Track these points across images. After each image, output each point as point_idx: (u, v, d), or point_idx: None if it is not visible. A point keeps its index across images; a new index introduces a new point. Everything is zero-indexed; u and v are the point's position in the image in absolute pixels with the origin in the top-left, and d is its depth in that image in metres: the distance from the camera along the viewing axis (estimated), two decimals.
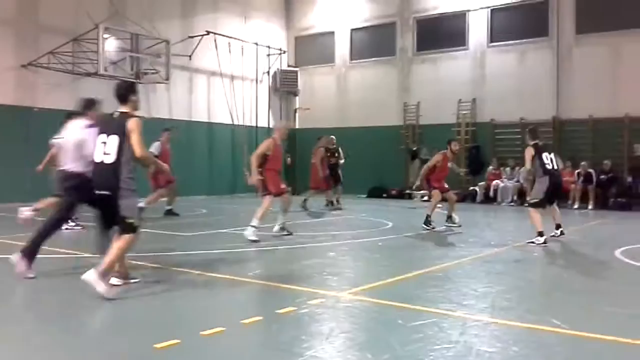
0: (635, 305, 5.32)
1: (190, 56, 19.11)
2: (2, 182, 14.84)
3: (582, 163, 17.02)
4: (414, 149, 20.36)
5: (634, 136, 16.74)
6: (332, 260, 7.60)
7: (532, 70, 18.64)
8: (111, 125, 5.57)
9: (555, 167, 9.19)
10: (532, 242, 8.76)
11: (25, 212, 8.18)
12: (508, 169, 18.21)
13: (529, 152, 9.18)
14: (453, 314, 4.77)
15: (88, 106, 6.72)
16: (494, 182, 18.07)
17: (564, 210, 15.55)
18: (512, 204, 17.31)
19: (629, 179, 16.47)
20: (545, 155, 9.15)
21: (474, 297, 5.47)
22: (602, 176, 16.75)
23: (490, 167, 18.52)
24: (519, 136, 18.29)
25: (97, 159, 5.52)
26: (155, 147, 12.15)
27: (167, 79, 16.92)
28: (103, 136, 5.54)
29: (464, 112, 19.66)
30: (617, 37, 17.29)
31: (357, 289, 5.67)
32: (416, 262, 7.46)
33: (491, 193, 18.07)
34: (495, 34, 19.40)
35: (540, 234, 8.73)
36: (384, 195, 20.28)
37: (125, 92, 5.72)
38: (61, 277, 6.44)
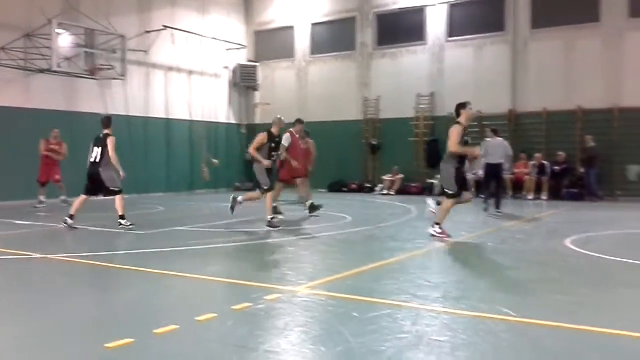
0: (581, 292, 5.51)
1: (146, 51, 18.84)
2: None
3: (537, 154, 17.45)
4: (375, 142, 20.58)
5: (586, 128, 17.23)
6: (290, 255, 7.62)
7: (488, 65, 19.00)
8: None
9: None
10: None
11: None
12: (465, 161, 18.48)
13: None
14: (407, 305, 4.85)
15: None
16: None
17: (519, 201, 16.00)
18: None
19: (581, 170, 16.94)
20: None
21: (427, 287, 5.57)
22: (556, 167, 17.20)
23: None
24: (477, 129, 18.62)
25: None
26: (285, 139, 12.02)
27: (123, 74, 16.65)
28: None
29: (423, 105, 19.91)
30: (571, 32, 17.78)
31: (313, 283, 5.71)
32: (373, 255, 7.55)
33: None
34: (454, 29, 19.69)
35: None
36: (344, 189, 20.40)
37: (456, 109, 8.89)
38: (7, 278, 6.31)
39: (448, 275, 6.20)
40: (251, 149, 10.11)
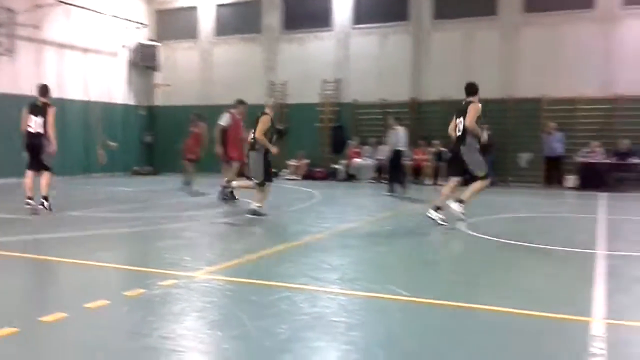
0: (471, 272, 5.76)
1: (38, 27, 17.66)
2: None
3: (436, 142, 18.07)
4: (281, 127, 20.49)
5: (483, 117, 17.97)
6: (188, 240, 7.44)
7: (392, 53, 19.40)
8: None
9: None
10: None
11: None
12: (368, 147, 18.88)
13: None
14: (306, 288, 4.87)
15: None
16: (355, 160, 18.68)
17: (418, 187, 16.55)
18: (372, 180, 17.99)
19: None
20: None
21: (327, 270, 5.63)
22: None
23: (352, 143, 19.11)
24: (380, 116, 19.03)
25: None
26: (225, 119, 11.63)
27: (11, 51, 15.53)
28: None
29: (328, 92, 20.05)
30: (470, 24, 18.48)
31: (212, 268, 5.60)
32: (275, 239, 7.53)
33: (352, 171, 18.69)
34: (359, 17, 19.90)
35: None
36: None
37: (472, 88, 8.58)
38: None
39: (347, 258, 6.30)
40: (259, 135, 9.01)
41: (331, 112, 20.02)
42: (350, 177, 18.62)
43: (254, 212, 9.11)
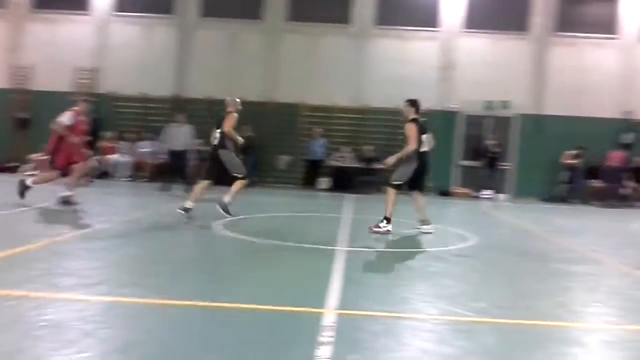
0: (218, 271, 5.78)
1: None
2: None
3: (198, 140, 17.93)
4: (24, 117, 18.52)
5: (245, 118, 18.27)
6: None
7: (156, 46, 18.82)
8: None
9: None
10: (378, 228, 8.43)
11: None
12: (126, 143, 17.92)
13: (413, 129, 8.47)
14: (36, 295, 4.34)
15: None
16: (109, 157, 17.59)
17: (178, 186, 16.23)
18: (129, 178, 17.12)
19: (240, 157, 18.06)
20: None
21: (63, 275, 5.08)
22: None
23: (107, 135, 17.96)
24: (141, 110, 18.30)
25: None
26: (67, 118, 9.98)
27: None
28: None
29: (83, 80, 18.65)
30: (236, 25, 18.74)
31: None
32: (4, 243, 6.62)
33: (106, 168, 17.56)
34: (121, 4, 18.93)
35: (388, 220, 8.44)
36: None
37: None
38: None
39: (89, 262, 5.78)
40: (228, 128, 9.09)
41: (86, 102, 18.61)
42: (103, 175, 17.46)
43: (225, 208, 9.09)
